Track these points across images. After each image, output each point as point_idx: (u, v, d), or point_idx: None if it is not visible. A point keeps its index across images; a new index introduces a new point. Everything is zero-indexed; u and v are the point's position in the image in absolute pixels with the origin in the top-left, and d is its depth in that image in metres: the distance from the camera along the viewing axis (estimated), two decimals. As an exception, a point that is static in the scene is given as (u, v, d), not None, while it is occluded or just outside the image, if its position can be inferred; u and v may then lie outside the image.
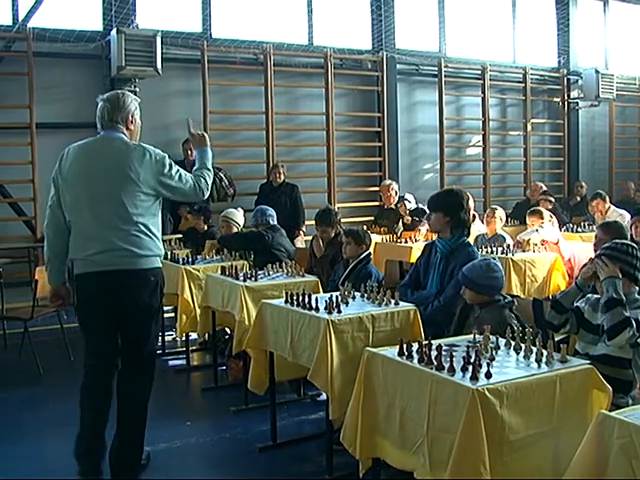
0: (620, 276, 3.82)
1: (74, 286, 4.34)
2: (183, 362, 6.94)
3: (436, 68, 12.63)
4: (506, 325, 3.83)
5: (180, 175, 4.38)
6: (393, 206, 10.24)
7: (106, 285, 4.17)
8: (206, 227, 8.68)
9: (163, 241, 7.97)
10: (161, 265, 4.40)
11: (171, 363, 7.10)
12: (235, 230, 7.50)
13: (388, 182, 10.71)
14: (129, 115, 4.39)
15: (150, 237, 4.24)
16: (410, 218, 9.51)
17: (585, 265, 4.20)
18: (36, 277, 6.38)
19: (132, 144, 4.32)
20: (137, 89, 10.33)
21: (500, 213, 8.10)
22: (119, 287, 4.17)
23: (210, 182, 4.55)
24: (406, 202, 10.01)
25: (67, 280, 4.44)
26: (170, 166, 4.33)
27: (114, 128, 4.34)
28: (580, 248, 7.62)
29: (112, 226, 4.12)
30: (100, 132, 4.40)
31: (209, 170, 4.62)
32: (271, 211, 7.29)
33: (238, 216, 7.71)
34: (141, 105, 10.12)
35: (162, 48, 10.03)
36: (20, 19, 9.93)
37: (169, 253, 7.16)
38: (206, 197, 4.60)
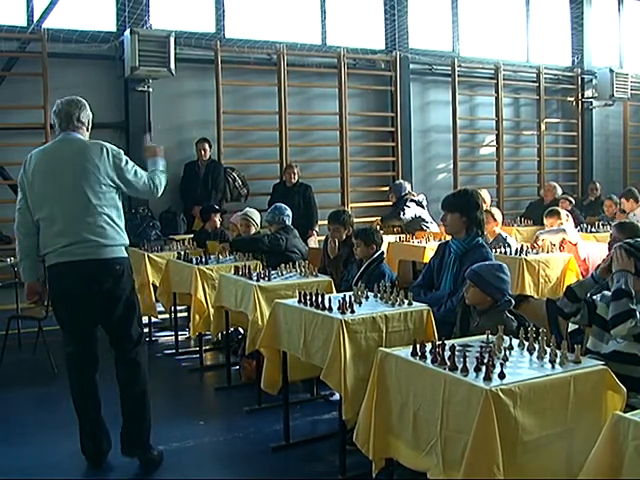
0: (633, 271, 3.81)
1: (47, 280, 4.59)
2: (196, 362, 6.93)
3: (449, 68, 12.60)
4: (508, 330, 3.81)
5: (135, 171, 4.64)
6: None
7: (76, 274, 4.42)
8: (218, 226, 8.68)
9: (177, 241, 8.03)
10: (127, 254, 4.67)
11: (184, 363, 7.11)
12: (253, 230, 7.46)
13: (399, 182, 10.69)
14: (86, 119, 4.72)
15: (114, 228, 4.52)
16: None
17: (604, 261, 4.18)
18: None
19: (90, 141, 4.64)
20: (151, 89, 10.39)
21: (496, 213, 8.02)
22: (87, 276, 4.43)
23: (164, 183, 4.85)
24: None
25: (41, 277, 4.67)
26: (127, 161, 4.61)
27: (73, 130, 4.63)
28: (595, 248, 7.59)
29: (79, 219, 4.41)
30: (59, 134, 4.67)
31: (162, 172, 4.89)
32: (288, 211, 7.24)
33: (258, 216, 7.64)
34: (155, 105, 10.19)
35: (176, 48, 10.05)
36: (35, 20, 9.97)
37: (182, 253, 7.18)
38: (159, 195, 4.87)
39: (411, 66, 12.39)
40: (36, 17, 9.99)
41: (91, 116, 4.79)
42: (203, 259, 6.87)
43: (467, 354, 3.28)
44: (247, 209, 7.80)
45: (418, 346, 3.44)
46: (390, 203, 10.55)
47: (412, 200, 9.84)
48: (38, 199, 4.48)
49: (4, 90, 9.81)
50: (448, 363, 3.24)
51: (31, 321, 6.84)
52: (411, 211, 9.68)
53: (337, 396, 4.70)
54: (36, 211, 4.49)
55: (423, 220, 9.72)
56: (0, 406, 5.87)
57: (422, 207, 9.90)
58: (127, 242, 4.67)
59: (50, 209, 4.44)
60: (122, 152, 4.62)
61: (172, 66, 9.99)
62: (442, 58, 12.73)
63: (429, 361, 3.35)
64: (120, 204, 4.63)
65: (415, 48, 12.46)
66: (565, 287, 4.21)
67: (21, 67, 9.93)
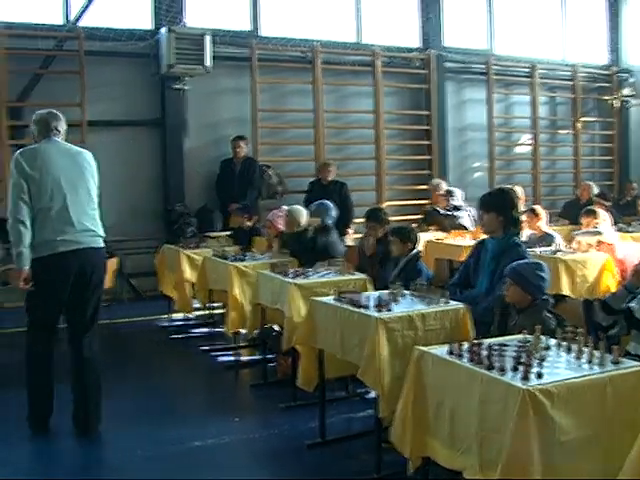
0: None
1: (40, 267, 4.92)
2: (232, 358, 6.97)
3: (484, 66, 12.57)
4: (546, 328, 3.80)
5: None
6: (439, 201, 10.15)
7: (83, 261, 4.97)
8: (251, 224, 8.71)
9: (212, 238, 8.08)
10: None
11: (220, 359, 7.14)
12: (295, 227, 7.40)
13: (436, 181, 10.67)
14: (62, 128, 5.21)
15: (100, 222, 5.15)
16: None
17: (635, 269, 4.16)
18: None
19: (79, 148, 5.28)
20: (187, 87, 10.46)
21: (537, 209, 7.98)
22: (91, 262, 5.03)
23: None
24: (450, 197, 9.90)
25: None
26: None
27: (55, 136, 5.13)
28: (632, 248, 7.52)
29: (83, 211, 4.98)
30: (42, 139, 5.11)
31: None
32: (334, 211, 7.15)
33: (302, 216, 7.57)
34: (191, 103, 10.28)
35: (212, 46, 10.11)
36: (71, 18, 10.10)
37: (219, 250, 7.22)
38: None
39: (446, 64, 12.36)
40: (73, 15, 10.10)
41: (65, 126, 5.26)
42: (239, 256, 6.92)
43: (504, 353, 3.28)
44: (292, 207, 7.73)
45: (455, 345, 3.45)
46: (427, 201, 10.51)
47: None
48: (42, 193, 4.86)
49: (41, 88, 9.91)
50: (485, 362, 3.24)
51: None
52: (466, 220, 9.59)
53: (372, 394, 4.73)
54: (39, 202, 4.85)
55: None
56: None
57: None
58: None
59: (57, 200, 4.88)
60: None
61: (208, 64, 10.06)
62: (477, 56, 12.70)
63: (466, 360, 3.34)
64: None
65: (450, 46, 12.44)
66: (600, 302, 4.18)
67: (58, 65, 10.03)
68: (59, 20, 10.14)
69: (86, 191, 5.04)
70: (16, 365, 6.65)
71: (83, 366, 5.10)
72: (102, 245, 5.14)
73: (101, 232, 5.13)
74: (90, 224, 5.02)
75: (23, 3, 9.84)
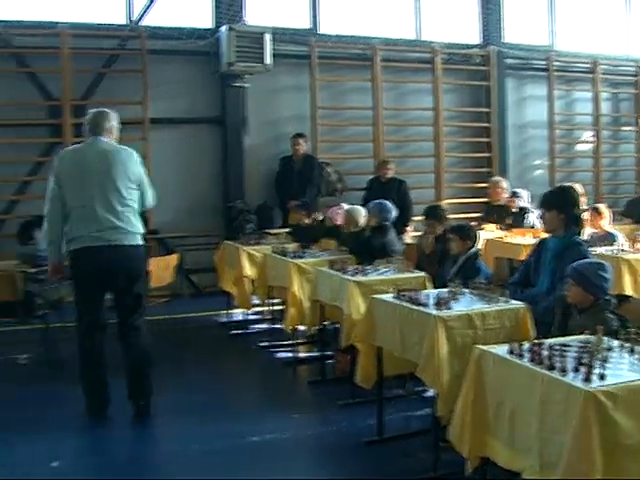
0: None
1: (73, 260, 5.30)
2: (291, 355, 7.01)
3: (545, 62, 12.41)
4: (609, 329, 3.75)
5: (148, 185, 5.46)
6: (502, 203, 10.06)
7: (110, 256, 5.18)
8: (310, 221, 8.73)
9: (271, 234, 8.17)
10: (142, 242, 5.40)
11: (279, 355, 7.19)
12: (352, 229, 7.41)
13: (496, 178, 10.56)
14: (109, 126, 5.42)
15: (137, 219, 5.32)
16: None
17: None
18: (150, 268, 6.55)
19: (120, 146, 5.40)
20: (247, 85, 10.53)
21: (604, 210, 7.85)
22: (119, 258, 5.22)
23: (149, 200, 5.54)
24: (517, 199, 9.79)
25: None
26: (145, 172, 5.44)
27: (100, 135, 5.36)
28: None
29: (111, 209, 5.16)
30: (88, 137, 5.41)
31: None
32: (394, 212, 7.08)
33: (361, 215, 7.56)
34: (251, 101, 10.38)
35: (271, 44, 10.18)
36: (134, 18, 10.28)
37: (278, 247, 7.27)
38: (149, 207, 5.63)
39: (506, 60, 12.23)
40: (135, 15, 10.29)
41: (115, 124, 5.49)
42: (299, 253, 6.95)
43: (565, 354, 3.24)
44: (352, 206, 7.72)
45: (515, 344, 3.42)
46: (485, 199, 10.43)
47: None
48: (75, 191, 5.20)
49: (105, 86, 10.12)
50: (546, 362, 3.21)
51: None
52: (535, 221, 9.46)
53: (430, 392, 4.71)
54: (71, 199, 5.21)
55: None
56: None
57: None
58: (143, 231, 5.42)
59: (86, 198, 5.17)
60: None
61: (268, 62, 10.14)
62: (538, 52, 12.54)
63: (527, 360, 3.31)
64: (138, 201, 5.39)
65: (510, 42, 12.31)
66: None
67: (121, 64, 10.22)
68: (122, 20, 10.32)
69: (115, 189, 5.19)
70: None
71: (131, 357, 5.39)
72: (133, 242, 5.30)
73: (134, 228, 5.30)
74: (118, 221, 5.20)
75: (87, 4, 10.03)
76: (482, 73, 12.09)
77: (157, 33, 10.03)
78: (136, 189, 5.33)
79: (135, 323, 5.38)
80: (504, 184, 10.22)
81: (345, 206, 7.98)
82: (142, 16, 10.25)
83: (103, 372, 5.35)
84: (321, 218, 8.86)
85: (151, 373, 5.44)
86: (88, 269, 5.23)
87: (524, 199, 9.81)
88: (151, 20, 10.27)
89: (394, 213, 7.12)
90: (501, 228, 8.99)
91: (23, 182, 9.98)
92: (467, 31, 12.21)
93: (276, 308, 7.92)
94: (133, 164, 5.33)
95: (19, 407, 5.75)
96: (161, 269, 7.03)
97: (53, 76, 9.81)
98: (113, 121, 5.47)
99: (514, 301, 4.47)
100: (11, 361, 6.79)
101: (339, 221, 7.80)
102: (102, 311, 5.36)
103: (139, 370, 5.39)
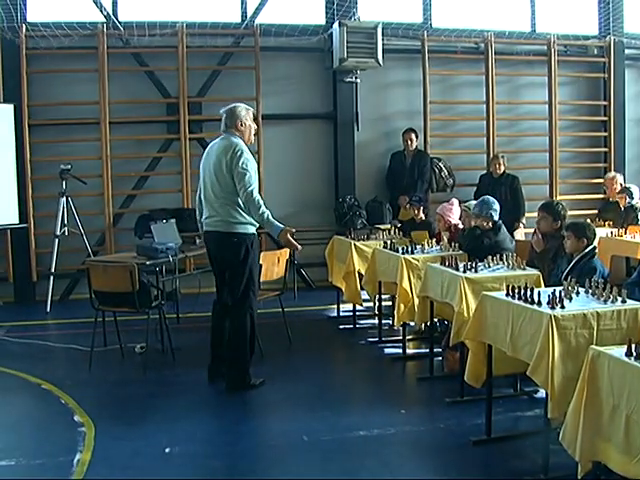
0: None
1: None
2: (399, 350, 6.97)
3: (669, 51, 11.93)
4: None
5: (244, 175, 5.72)
6: (618, 199, 9.75)
7: (210, 241, 5.99)
8: (423, 217, 8.67)
9: (382, 230, 8.17)
10: (247, 231, 5.85)
11: (387, 351, 7.19)
12: (473, 221, 7.24)
13: (612, 174, 10.23)
14: (232, 122, 5.92)
15: (239, 210, 5.78)
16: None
17: None
18: (260, 262, 6.62)
19: (231, 142, 5.82)
20: (358, 80, 10.55)
21: None
22: (215, 243, 5.93)
23: (256, 214, 5.79)
24: (627, 195, 9.46)
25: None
26: (243, 164, 5.74)
27: (226, 131, 5.94)
28: None
29: (213, 199, 5.85)
30: (224, 133, 5.97)
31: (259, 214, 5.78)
32: (497, 205, 6.95)
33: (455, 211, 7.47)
34: (362, 96, 10.41)
35: (383, 39, 10.17)
36: (248, 16, 10.46)
37: (389, 242, 7.25)
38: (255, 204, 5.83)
39: (626, 51, 11.80)
40: (249, 13, 10.48)
41: (241, 117, 5.93)
42: (409, 249, 6.91)
43: (687, 358, 3.13)
44: (471, 202, 7.61)
45: (633, 346, 3.31)
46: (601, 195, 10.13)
47: None
48: (203, 182, 6.00)
49: (220, 83, 10.36)
50: (666, 366, 3.10)
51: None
52: None
53: (542, 393, 4.63)
54: (200, 190, 6.06)
55: None
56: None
57: None
58: (248, 221, 5.83)
59: (203, 190, 5.99)
60: (242, 154, 5.76)
61: (379, 57, 10.13)
62: (659, 41, 12.04)
63: (645, 363, 3.21)
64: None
65: (631, 32, 11.85)
66: None
67: (235, 61, 10.44)
68: (237, 18, 10.51)
69: (216, 181, 5.81)
70: (193, 347, 7.07)
71: (231, 331, 5.99)
72: (228, 229, 5.82)
73: (230, 217, 5.80)
74: (214, 210, 5.86)
75: (203, 3, 10.28)
76: (600, 65, 11.71)
77: (270, 30, 10.15)
78: (233, 181, 5.75)
79: (230, 302, 5.95)
80: (620, 179, 9.90)
81: (456, 202, 7.87)
82: (256, 14, 10.41)
83: (217, 343, 6.11)
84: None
85: (243, 348, 5.90)
86: (207, 250, 6.12)
87: (636, 196, 9.45)
88: (264, 18, 10.42)
89: (497, 207, 6.92)
90: (614, 226, 8.71)
91: (141, 177, 10.29)
92: (585, 21, 11.84)
93: (385, 304, 7.89)
94: (229, 158, 5.73)
95: (134, 394, 5.96)
96: (272, 263, 7.10)
97: (170, 74, 10.11)
98: (241, 117, 5.93)
99: (632, 301, 4.32)
100: (128, 350, 6.99)
101: (451, 218, 7.70)
102: (223, 290, 6.07)
103: (228, 343, 5.99)
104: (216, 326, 6.15)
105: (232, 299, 5.92)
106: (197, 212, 6.23)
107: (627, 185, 9.76)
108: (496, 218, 6.83)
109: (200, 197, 6.09)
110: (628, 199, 9.39)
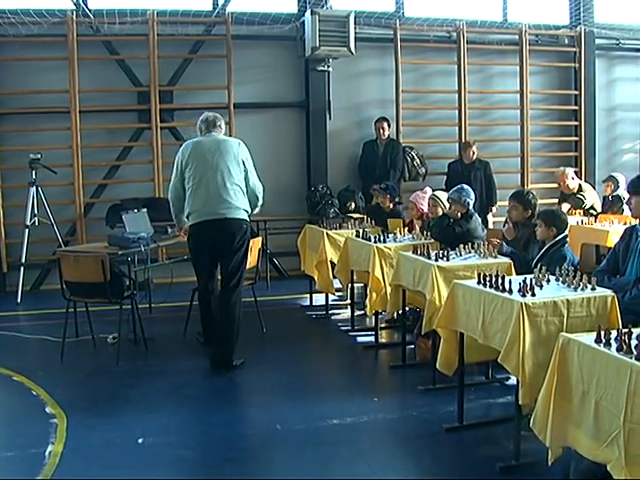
0: None
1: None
2: (372, 339, 6.99)
3: (639, 42, 12.00)
4: None
5: (252, 169, 6.36)
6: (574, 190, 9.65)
7: (219, 227, 6.11)
8: (392, 205, 8.67)
9: (355, 219, 8.19)
10: (247, 217, 6.27)
11: (360, 340, 7.21)
12: (440, 211, 7.29)
13: (562, 169, 9.91)
14: (219, 124, 6.44)
15: (244, 196, 6.23)
16: None
17: None
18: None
19: (230, 138, 6.53)
20: (331, 69, 10.53)
21: None
22: (225, 229, 6.12)
23: (257, 203, 6.49)
24: (613, 184, 9.47)
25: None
26: (251, 159, 6.37)
27: (214, 131, 6.37)
28: None
29: (222, 186, 6.09)
30: (204, 133, 6.36)
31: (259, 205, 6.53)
32: (472, 195, 6.99)
33: (445, 197, 7.50)
34: (334, 84, 10.39)
35: (355, 28, 10.14)
36: (220, 4, 10.40)
37: (361, 231, 7.26)
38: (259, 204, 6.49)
39: (597, 41, 11.88)
40: (221, 1, 10.42)
41: (223, 125, 6.51)
42: (381, 237, 6.92)
43: (655, 344, 3.16)
44: (438, 192, 7.64)
45: (603, 333, 3.34)
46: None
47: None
48: (195, 174, 6.13)
49: (191, 72, 10.31)
50: (635, 352, 3.13)
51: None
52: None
53: (513, 380, 4.66)
54: (190, 182, 6.15)
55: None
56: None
57: None
58: (249, 208, 6.31)
59: (201, 180, 6.10)
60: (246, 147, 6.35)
61: (352, 45, 10.11)
62: (631, 32, 12.09)
63: (614, 349, 3.24)
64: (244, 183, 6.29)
65: (601, 22, 11.93)
66: None
67: (207, 49, 10.39)
68: (208, 6, 10.45)
69: (227, 170, 6.12)
70: (166, 336, 7.04)
71: (222, 313, 6.23)
72: (239, 215, 6.15)
73: (240, 204, 6.16)
74: (227, 196, 6.10)
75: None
76: (571, 54, 11.78)
77: (242, 19, 10.10)
78: (243, 171, 6.20)
79: (229, 285, 6.22)
80: (571, 173, 9.79)
81: (429, 191, 7.89)
82: (227, 2, 10.34)
83: (211, 317, 6.45)
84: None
85: (234, 329, 6.20)
86: (201, 238, 6.19)
87: (622, 185, 9.46)
88: (236, 6, 10.36)
89: (473, 197, 7.00)
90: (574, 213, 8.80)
91: (112, 166, 10.22)
92: (556, 11, 11.89)
93: (358, 292, 7.90)
94: (238, 149, 6.23)
95: (106, 385, 5.94)
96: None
97: (141, 63, 10.03)
98: (221, 122, 6.48)
99: (601, 289, 4.36)
100: (100, 340, 6.96)
101: (423, 206, 7.73)
102: (211, 277, 6.43)
103: (223, 322, 6.21)
104: (209, 314, 6.48)
105: (231, 280, 6.21)
106: (175, 202, 6.39)
107: (613, 174, 9.76)
108: (470, 207, 6.90)
109: (191, 188, 6.17)
110: (614, 188, 9.43)
